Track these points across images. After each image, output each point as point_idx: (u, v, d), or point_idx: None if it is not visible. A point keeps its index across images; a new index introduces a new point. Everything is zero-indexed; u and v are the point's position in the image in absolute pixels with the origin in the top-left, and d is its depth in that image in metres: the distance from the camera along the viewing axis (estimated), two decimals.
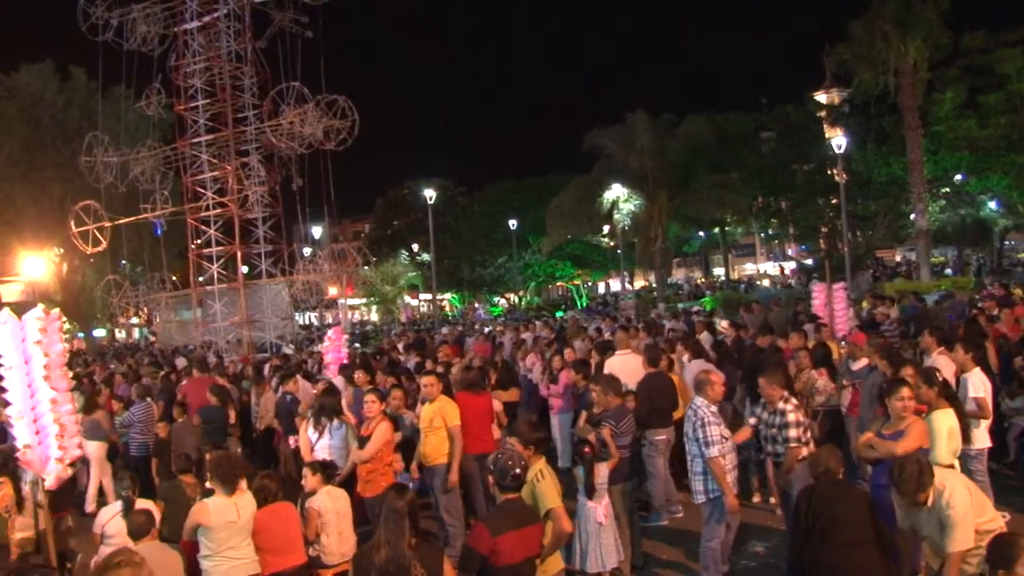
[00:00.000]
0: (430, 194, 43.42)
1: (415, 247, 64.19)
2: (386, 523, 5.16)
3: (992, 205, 49.51)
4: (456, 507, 9.55)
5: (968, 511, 5.76)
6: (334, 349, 16.23)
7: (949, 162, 42.97)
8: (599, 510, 7.89)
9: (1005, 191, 45.30)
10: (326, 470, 8.05)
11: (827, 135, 45.08)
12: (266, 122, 31.10)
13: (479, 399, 10.29)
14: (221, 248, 32.40)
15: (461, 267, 65.09)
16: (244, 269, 34.09)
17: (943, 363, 9.61)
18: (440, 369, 12.85)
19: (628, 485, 8.76)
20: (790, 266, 72.95)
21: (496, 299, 70.48)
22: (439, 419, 9.45)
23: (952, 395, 8.24)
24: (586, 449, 8.02)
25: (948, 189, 46.36)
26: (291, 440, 11.26)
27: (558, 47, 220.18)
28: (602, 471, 8.05)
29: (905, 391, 7.19)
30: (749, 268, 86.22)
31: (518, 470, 5.73)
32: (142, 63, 31.78)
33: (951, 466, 7.15)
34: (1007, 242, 64.08)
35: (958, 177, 45.16)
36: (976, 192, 46.59)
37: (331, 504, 7.75)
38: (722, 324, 19.76)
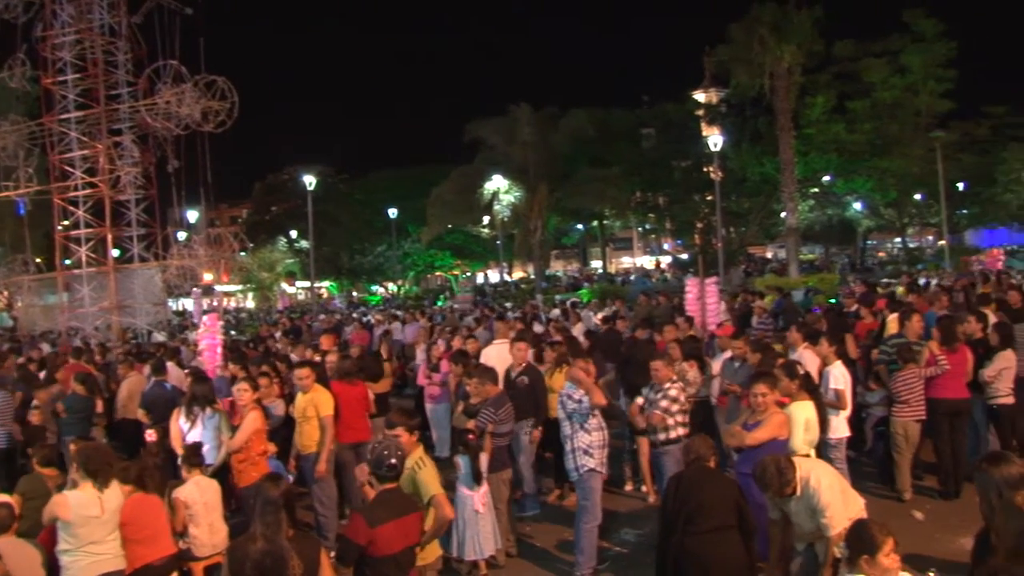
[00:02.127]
0: (310, 180, 42.70)
1: (294, 234, 63.07)
2: (262, 514, 5.04)
3: (857, 206, 51.79)
4: (329, 497, 9.49)
5: (835, 492, 6.08)
6: (208, 336, 15.89)
7: (818, 163, 44.58)
8: (476, 498, 7.97)
9: (869, 193, 47.49)
10: (192, 457, 7.89)
11: (705, 133, 46.12)
12: (141, 100, 29.96)
13: (354, 389, 10.26)
14: (91, 230, 31.09)
15: (340, 255, 64.32)
16: (115, 253, 32.78)
17: (808, 357, 9.98)
18: (317, 358, 12.69)
19: (506, 473, 8.86)
20: (666, 260, 74.48)
21: (375, 288, 69.90)
22: (312, 409, 9.39)
23: (813, 388, 8.61)
24: (470, 436, 8.11)
25: (817, 189, 48.19)
26: (149, 433, 10.79)
27: (444, 37, 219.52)
28: (483, 460, 8.14)
29: (759, 386, 7.46)
30: (626, 261, 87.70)
31: (394, 460, 5.70)
32: (5, 31, 30.01)
33: (807, 455, 7.49)
34: (869, 241, 66.94)
35: (826, 178, 46.93)
36: (842, 193, 48.65)
37: (199, 495, 7.59)
38: (596, 317, 20.13)
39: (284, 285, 65.85)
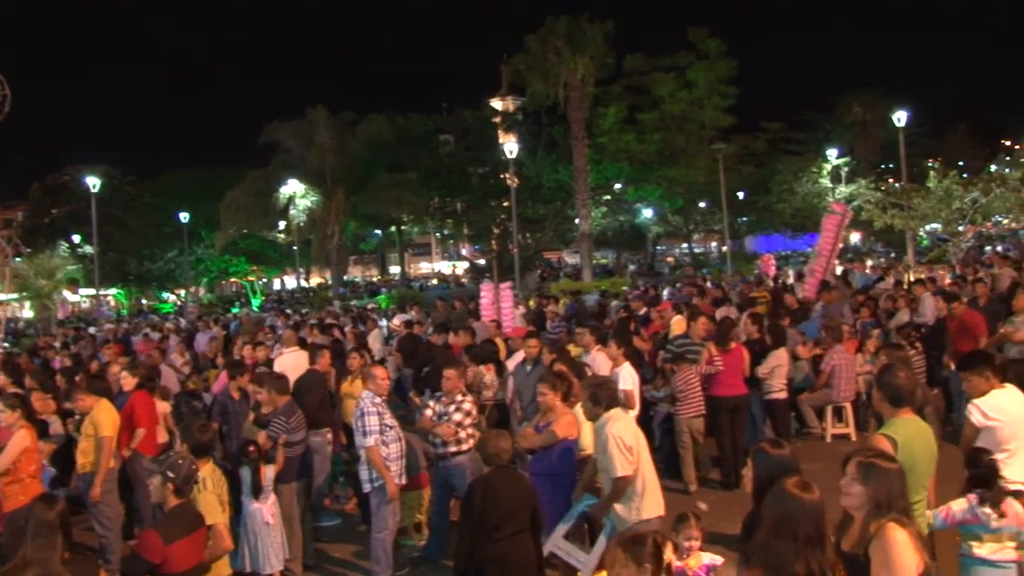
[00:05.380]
0: (94, 182, 40.52)
1: (77, 238, 59.61)
2: (34, 538, 4.73)
3: (647, 213, 53.86)
4: (109, 517, 8.95)
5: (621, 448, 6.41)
6: None
7: (610, 172, 46.16)
8: (265, 510, 7.77)
9: (658, 201, 49.62)
10: None
11: (501, 141, 46.82)
12: None
13: (154, 399, 9.82)
14: None
15: (128, 261, 61.29)
16: None
17: (600, 358, 10.31)
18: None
19: (300, 484, 8.69)
20: (463, 265, 75.13)
21: (165, 295, 67.09)
22: (91, 427, 8.84)
23: None
24: (251, 448, 7.88)
25: (609, 196, 49.93)
26: None
27: (240, 40, 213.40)
28: (268, 472, 7.93)
29: (542, 386, 7.63)
30: (425, 267, 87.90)
31: (190, 475, 5.54)
32: None
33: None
34: (658, 247, 69.81)
35: (618, 186, 48.67)
36: (633, 200, 50.62)
37: None
38: (394, 322, 20.10)
39: (66, 293, 62.17)
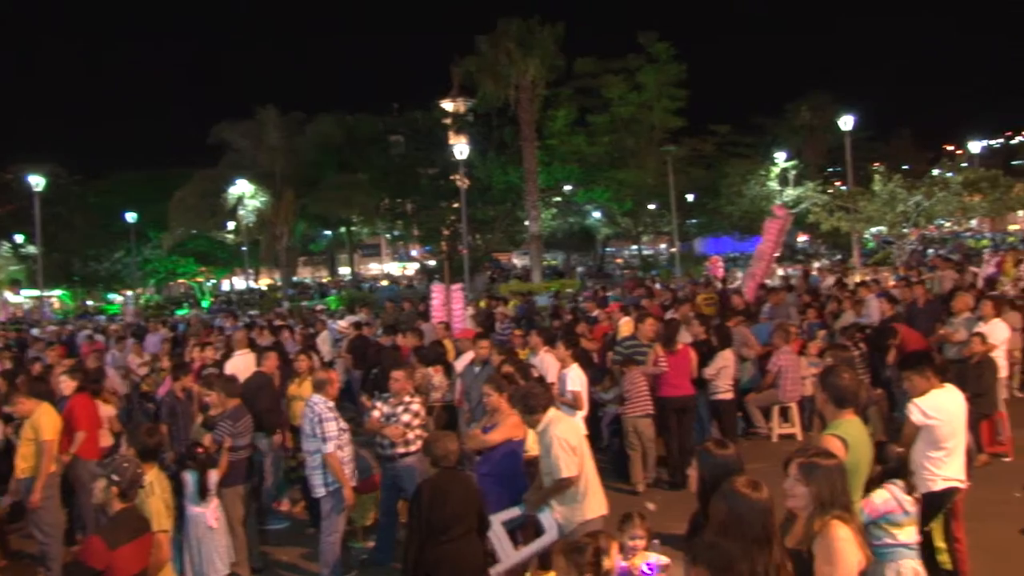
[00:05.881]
0: (37, 181, 39.73)
1: (19, 238, 58.37)
2: None
3: (596, 215, 54.09)
4: (49, 523, 8.75)
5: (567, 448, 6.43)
6: None
7: (560, 174, 46.27)
8: (208, 514, 7.66)
9: (607, 203, 49.84)
10: None
11: (452, 142, 46.76)
12: None
13: (96, 402, 9.66)
14: None
15: (73, 261, 60.16)
16: None
17: (548, 360, 10.35)
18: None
19: (246, 487, 8.60)
20: (413, 267, 74.93)
21: (112, 296, 65.94)
22: (31, 430, 8.65)
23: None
24: (199, 450, 7.78)
25: (559, 198, 50.07)
26: None
27: (189, 39, 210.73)
28: (212, 476, 7.82)
29: (487, 388, 7.65)
30: (374, 268, 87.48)
31: (135, 478, 5.46)
32: None
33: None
34: (608, 248, 70.16)
35: (568, 188, 48.80)
36: (583, 202, 50.82)
37: None
38: (340, 324, 19.99)
39: (7, 294, 60.93)
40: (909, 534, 5.43)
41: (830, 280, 21.30)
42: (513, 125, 43.20)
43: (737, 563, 3.67)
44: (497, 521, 6.57)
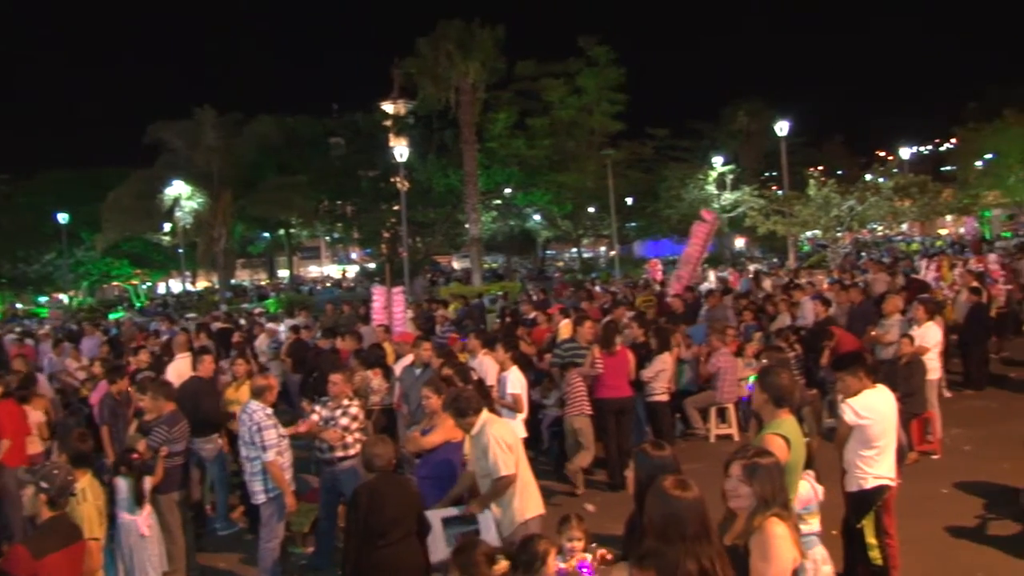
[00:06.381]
0: None
1: None
2: None
3: (536, 218, 54.23)
4: None
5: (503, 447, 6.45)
6: None
7: (500, 176, 46.34)
8: (140, 522, 7.52)
9: (547, 205, 49.99)
10: None
11: (392, 144, 46.56)
12: None
13: (23, 409, 9.46)
14: None
15: (1, 263, 58.78)
16: None
17: (487, 363, 10.37)
18: None
19: (181, 493, 8.49)
20: (353, 269, 74.48)
21: (43, 299, 64.48)
22: None
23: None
24: (134, 456, 7.65)
25: (499, 201, 50.13)
26: None
27: (123, 36, 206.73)
28: (147, 482, 7.69)
29: (426, 390, 7.62)
30: (314, 271, 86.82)
31: (65, 485, 5.35)
32: None
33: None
34: (548, 251, 70.43)
35: (508, 190, 48.88)
36: (523, 205, 50.92)
37: None
38: (268, 326, 19.85)
39: None
40: (817, 523, 5.60)
41: (767, 283, 21.59)
42: (453, 128, 43.13)
43: (683, 563, 3.72)
44: (436, 517, 6.56)
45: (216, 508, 10.25)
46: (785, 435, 5.22)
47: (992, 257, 20.75)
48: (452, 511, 6.67)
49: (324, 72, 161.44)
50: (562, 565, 5.51)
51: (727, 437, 12.25)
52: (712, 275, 29.56)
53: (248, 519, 9.58)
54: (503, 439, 6.49)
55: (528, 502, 6.60)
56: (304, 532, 9.02)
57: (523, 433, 9.62)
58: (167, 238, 54.88)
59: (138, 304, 58.30)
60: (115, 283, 67.98)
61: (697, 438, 12.52)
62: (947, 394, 13.21)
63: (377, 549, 6.01)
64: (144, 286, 69.12)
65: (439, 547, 6.40)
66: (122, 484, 7.59)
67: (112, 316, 41.38)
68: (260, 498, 7.86)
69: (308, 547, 8.94)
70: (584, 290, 23.38)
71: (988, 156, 36.81)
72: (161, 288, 72.77)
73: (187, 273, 57.09)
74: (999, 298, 17.14)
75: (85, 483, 6.08)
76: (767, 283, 21.65)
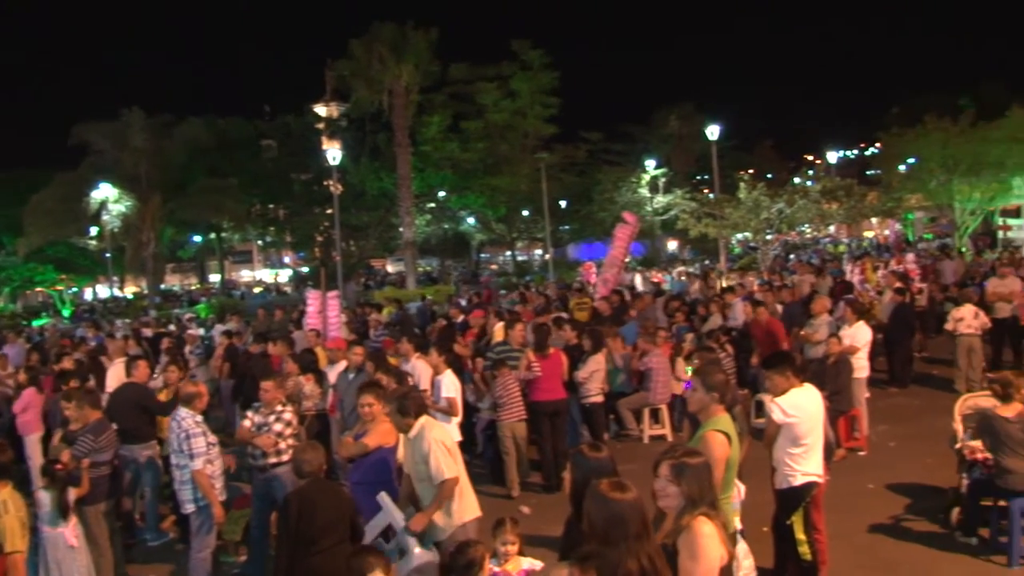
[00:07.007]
0: None
1: None
2: None
3: (470, 221, 54.24)
4: None
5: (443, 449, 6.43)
6: None
7: (434, 180, 46.31)
8: (67, 533, 7.33)
9: (481, 209, 50.09)
10: None
11: (325, 147, 46.17)
12: None
13: None
14: None
15: None
16: None
17: (421, 367, 10.34)
18: None
19: (109, 504, 8.32)
20: (286, 273, 73.73)
21: None
22: None
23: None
24: (57, 467, 7.44)
25: (433, 204, 50.11)
26: None
27: (47, 33, 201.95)
28: (71, 493, 7.50)
29: (364, 397, 7.50)
30: (246, 275, 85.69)
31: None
32: None
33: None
34: (483, 254, 70.44)
35: (442, 194, 48.88)
36: (457, 208, 50.96)
37: None
38: (191, 331, 19.63)
39: None
40: (738, 520, 5.67)
41: (696, 285, 21.85)
42: (387, 130, 42.91)
43: (624, 562, 3.76)
44: (372, 530, 6.52)
45: (146, 518, 10.06)
46: (725, 431, 5.31)
47: (910, 257, 21.38)
48: (385, 520, 6.63)
49: (256, 74, 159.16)
50: (496, 569, 5.53)
51: (660, 438, 12.36)
52: (638, 277, 29.88)
53: (179, 528, 9.43)
54: (443, 441, 6.48)
55: (466, 505, 6.60)
56: (236, 540, 8.90)
57: (458, 436, 9.60)
58: (94, 242, 53.71)
59: (65, 311, 56.91)
60: (39, 289, 66.26)
61: (631, 439, 12.61)
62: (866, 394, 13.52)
63: (309, 556, 5.96)
64: (70, 292, 67.52)
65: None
66: (44, 497, 7.36)
67: (36, 323, 40.33)
68: (189, 507, 7.76)
69: (240, 556, 8.83)
70: (519, 293, 23.44)
71: (911, 160, 37.67)
72: (88, 294, 71.19)
73: (115, 278, 55.92)
74: (919, 297, 17.61)
75: (7, 495, 5.93)
76: (696, 286, 21.85)
